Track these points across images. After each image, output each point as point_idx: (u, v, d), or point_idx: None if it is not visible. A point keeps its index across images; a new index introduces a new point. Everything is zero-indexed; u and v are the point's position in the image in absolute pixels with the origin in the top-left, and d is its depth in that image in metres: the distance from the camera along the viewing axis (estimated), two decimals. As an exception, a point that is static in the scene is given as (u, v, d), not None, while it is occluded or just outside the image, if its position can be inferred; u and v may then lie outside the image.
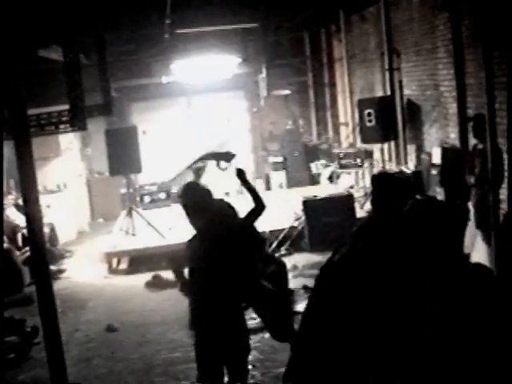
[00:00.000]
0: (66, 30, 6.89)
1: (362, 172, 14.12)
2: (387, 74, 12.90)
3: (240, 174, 5.69)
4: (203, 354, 5.23)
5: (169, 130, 18.16)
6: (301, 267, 10.42)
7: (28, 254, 9.89)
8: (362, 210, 11.91)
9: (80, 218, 15.50)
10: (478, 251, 7.91)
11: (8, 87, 5.08)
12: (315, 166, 16.67)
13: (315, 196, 11.95)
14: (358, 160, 13.78)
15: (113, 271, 11.82)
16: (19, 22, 5.86)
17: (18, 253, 10.97)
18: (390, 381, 4.28)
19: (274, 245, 11.18)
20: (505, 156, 7.57)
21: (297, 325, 7.64)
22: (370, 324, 4.59)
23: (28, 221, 5.39)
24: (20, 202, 9.23)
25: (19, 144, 5.20)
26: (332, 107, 17.90)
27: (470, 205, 8.38)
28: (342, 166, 14.20)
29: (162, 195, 15.70)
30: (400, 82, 12.63)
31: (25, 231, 9.80)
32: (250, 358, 7.07)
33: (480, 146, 8.23)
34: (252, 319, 7.66)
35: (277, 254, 10.86)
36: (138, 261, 11.73)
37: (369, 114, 12.44)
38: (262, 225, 10.25)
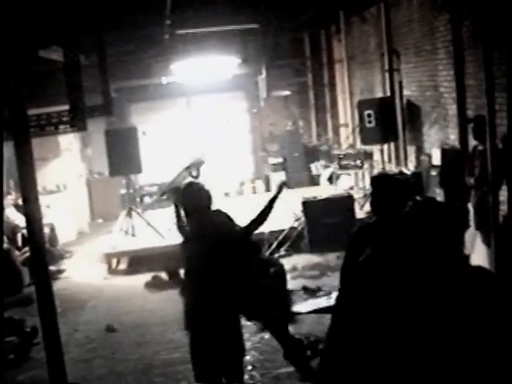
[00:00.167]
0: (66, 30, 6.89)
1: (361, 173, 14.12)
2: (387, 75, 12.91)
3: (281, 188, 5.88)
4: (198, 355, 5.22)
5: (168, 130, 18.17)
6: (300, 268, 10.42)
7: (28, 254, 9.89)
8: (362, 211, 11.92)
9: (80, 218, 15.51)
10: (478, 252, 7.92)
11: (8, 87, 5.09)
12: (315, 167, 16.67)
13: (315, 197, 11.95)
14: (358, 161, 13.78)
15: (112, 272, 11.82)
16: (20, 22, 5.86)
17: (17, 253, 10.97)
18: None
19: (274, 245, 11.17)
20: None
21: (293, 325, 7.68)
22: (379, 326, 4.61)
23: (28, 221, 5.39)
24: (20, 202, 9.23)
25: (19, 144, 5.20)
26: (332, 108, 17.89)
27: (470, 206, 8.38)
28: (341, 167, 14.19)
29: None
30: (400, 82, 12.63)
31: (24, 231, 9.80)
32: (250, 358, 7.11)
33: (480, 148, 8.23)
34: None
35: (276, 255, 10.87)
36: (138, 261, 11.73)
37: (369, 115, 12.44)
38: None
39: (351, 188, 14.14)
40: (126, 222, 12.78)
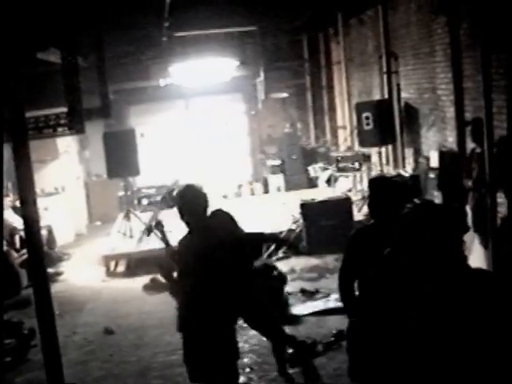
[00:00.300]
0: (64, 32, 6.89)
1: (359, 175, 14.12)
2: (385, 78, 12.92)
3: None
4: (191, 357, 5.21)
5: (167, 132, 18.17)
6: (299, 270, 10.41)
7: (26, 256, 9.88)
8: (360, 213, 11.92)
9: (78, 220, 15.49)
10: (475, 254, 7.92)
11: (6, 89, 5.09)
12: (313, 169, 16.67)
13: (313, 199, 11.95)
14: (356, 163, 13.79)
15: (110, 274, 11.81)
16: (18, 24, 5.86)
17: (15, 255, 10.96)
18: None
19: (272, 248, 11.16)
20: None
21: (292, 327, 7.67)
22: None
23: (25, 223, 5.39)
24: (17, 204, 9.23)
25: (17, 146, 5.20)
26: (330, 110, 17.90)
27: (468, 208, 8.39)
28: (339, 170, 14.20)
29: (160, 198, 15.68)
30: (398, 85, 12.63)
31: (23, 233, 9.80)
32: (248, 360, 7.11)
33: (478, 150, 8.24)
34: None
35: (274, 257, 10.87)
36: (136, 263, 11.72)
37: (367, 118, 12.45)
38: (261, 228, 10.31)
39: (349, 190, 14.14)
40: (124, 224, 12.77)
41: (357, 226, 5.41)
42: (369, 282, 4.89)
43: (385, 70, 12.89)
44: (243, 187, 17.96)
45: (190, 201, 5.14)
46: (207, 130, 18.31)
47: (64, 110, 7.06)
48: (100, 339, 8.55)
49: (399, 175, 11.75)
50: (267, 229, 11.01)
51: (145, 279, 10.68)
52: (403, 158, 12.80)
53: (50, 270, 10.94)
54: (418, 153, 11.95)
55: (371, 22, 13.70)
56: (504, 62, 7.99)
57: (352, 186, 14.47)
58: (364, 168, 13.82)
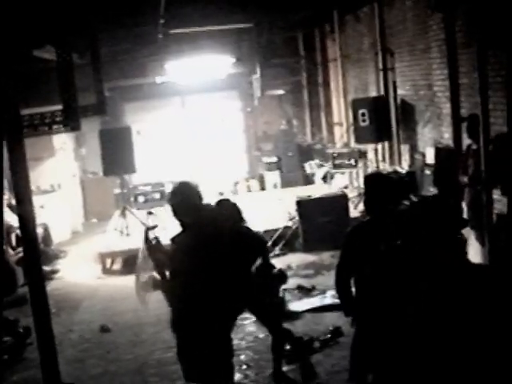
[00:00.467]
0: (59, 29, 6.86)
1: (355, 172, 14.13)
2: (381, 74, 12.92)
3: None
4: (185, 356, 5.20)
5: (163, 129, 18.15)
6: (295, 267, 10.42)
7: (21, 254, 9.86)
8: (356, 210, 11.92)
9: (74, 218, 15.48)
10: (471, 250, 7.93)
11: (2, 87, 5.07)
12: (309, 166, 16.67)
13: (309, 196, 11.96)
14: (352, 160, 13.80)
15: (107, 271, 11.80)
16: (13, 22, 5.84)
17: (11, 253, 10.94)
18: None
19: (269, 244, 11.15)
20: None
21: (289, 323, 7.66)
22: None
23: (21, 221, 5.38)
24: (13, 202, 9.21)
25: (12, 144, 5.19)
26: (326, 107, 17.89)
27: (464, 204, 8.39)
28: (335, 166, 14.21)
29: (156, 195, 15.68)
30: (394, 82, 12.64)
31: (19, 231, 9.78)
32: (245, 357, 7.12)
33: (474, 147, 8.24)
34: (245, 319, 7.69)
35: (271, 254, 10.87)
36: (132, 261, 11.68)
37: (363, 114, 12.45)
38: (257, 225, 10.30)
39: (345, 187, 14.16)
40: (120, 222, 12.77)
41: (353, 223, 5.39)
42: (365, 279, 4.90)
43: (381, 66, 12.89)
44: (239, 184, 17.95)
45: (183, 198, 5.11)
46: (203, 127, 18.30)
47: (59, 107, 7.04)
48: (96, 337, 8.55)
49: (395, 172, 11.76)
50: (264, 225, 11.00)
51: (141, 277, 10.65)
52: (399, 155, 12.81)
53: (46, 268, 10.93)
54: (413, 149, 11.95)
55: (367, 18, 13.69)
56: (500, 58, 7.99)
57: (348, 183, 14.49)
58: (360, 165, 13.82)
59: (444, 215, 3.83)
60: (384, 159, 13.57)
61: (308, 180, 16.61)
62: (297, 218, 11.65)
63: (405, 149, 12.48)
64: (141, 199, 15.73)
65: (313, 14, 14.62)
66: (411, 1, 11.29)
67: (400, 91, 12.42)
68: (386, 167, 13.13)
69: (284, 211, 12.26)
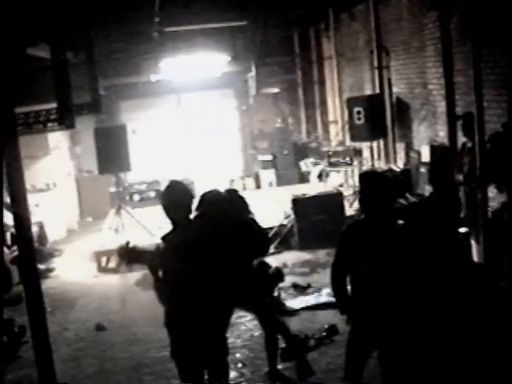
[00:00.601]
0: (53, 27, 6.85)
1: (351, 170, 14.14)
2: (376, 72, 12.92)
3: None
4: (179, 355, 5.19)
5: (158, 128, 18.14)
6: (290, 265, 10.42)
7: (16, 253, 9.84)
8: (351, 208, 11.93)
9: (69, 216, 15.45)
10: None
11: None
12: (304, 164, 16.68)
13: (304, 194, 11.95)
14: (348, 158, 13.81)
15: (102, 270, 11.78)
16: (7, 20, 5.83)
17: (6, 252, 10.91)
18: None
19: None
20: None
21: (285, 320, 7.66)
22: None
23: (16, 220, 5.37)
24: (8, 200, 9.21)
25: (7, 142, 5.18)
26: (321, 105, 17.90)
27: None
28: (331, 164, 14.22)
29: (151, 193, 15.68)
30: (389, 80, 12.64)
31: (14, 230, 9.76)
32: (240, 356, 7.11)
33: (469, 145, 8.25)
34: (240, 318, 7.69)
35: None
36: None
37: (358, 112, 12.45)
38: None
39: (341, 185, 14.16)
40: (116, 220, 12.75)
41: (348, 221, 5.41)
42: (361, 277, 4.91)
43: (376, 64, 12.89)
44: (235, 182, 17.94)
45: (174, 197, 5.11)
46: (198, 125, 18.29)
47: (54, 105, 7.03)
48: (92, 335, 8.54)
49: (390, 170, 11.76)
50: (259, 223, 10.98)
51: (137, 275, 10.66)
52: (394, 153, 12.82)
53: (42, 267, 10.92)
54: (409, 147, 11.97)
55: (362, 16, 13.69)
56: (494, 56, 8.00)
57: (343, 181, 14.49)
58: (355, 163, 13.83)
59: (443, 214, 3.84)
60: (379, 157, 13.58)
61: (303, 178, 16.62)
62: (292, 216, 11.65)
63: (400, 147, 12.49)
64: (136, 197, 15.75)
65: (308, 12, 14.63)
66: (406, -1, 11.31)
67: (395, 89, 12.43)
68: (381, 165, 13.14)
69: (279, 209, 12.26)
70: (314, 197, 11.77)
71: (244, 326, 7.83)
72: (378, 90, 12.90)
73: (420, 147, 11.19)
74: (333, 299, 5.48)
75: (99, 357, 7.79)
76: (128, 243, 5.26)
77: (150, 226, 12.10)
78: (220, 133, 18.53)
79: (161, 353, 7.34)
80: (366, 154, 14.03)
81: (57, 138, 15.11)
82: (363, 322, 4.95)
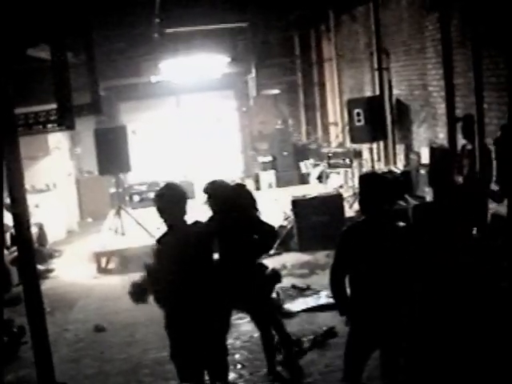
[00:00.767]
0: (54, 28, 6.85)
1: (351, 172, 14.13)
2: (376, 74, 12.93)
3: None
4: (179, 356, 5.19)
5: (158, 129, 18.13)
6: (290, 267, 10.41)
7: (16, 253, 9.84)
8: (351, 209, 11.92)
9: (69, 217, 15.46)
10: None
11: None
12: (304, 166, 16.68)
13: (304, 195, 11.96)
14: (347, 160, 13.80)
15: (102, 271, 11.79)
16: (8, 20, 5.83)
17: (6, 252, 10.91)
18: None
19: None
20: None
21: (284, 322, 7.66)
22: None
23: (15, 220, 5.37)
24: (8, 201, 9.21)
25: (7, 143, 5.18)
26: (321, 107, 17.91)
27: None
28: (331, 166, 14.21)
29: (151, 194, 15.66)
30: (389, 81, 12.65)
31: (13, 230, 9.75)
32: (239, 357, 7.11)
33: (469, 147, 8.25)
34: (240, 319, 7.68)
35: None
36: (127, 260, 11.69)
37: (358, 114, 12.46)
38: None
39: (341, 187, 14.16)
40: (116, 221, 12.75)
41: (348, 223, 5.40)
42: (360, 278, 4.91)
43: (376, 66, 12.90)
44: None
45: (168, 199, 5.13)
46: (198, 126, 18.28)
47: (54, 106, 7.03)
48: (91, 336, 8.54)
49: (390, 171, 11.77)
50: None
51: (136, 276, 10.64)
52: (394, 155, 12.83)
53: (41, 267, 10.92)
54: (409, 149, 11.97)
55: (362, 18, 13.70)
56: (494, 58, 8.01)
57: (343, 183, 14.49)
58: (355, 164, 13.83)
59: (444, 217, 3.85)
60: (379, 159, 13.58)
61: (303, 179, 16.61)
62: (292, 217, 11.65)
63: (400, 149, 12.50)
64: (136, 198, 15.74)
65: (308, 14, 14.64)
66: (406, 1, 11.31)
67: (395, 91, 12.44)
68: (381, 167, 13.14)
69: (279, 211, 12.25)
70: (314, 198, 11.77)
71: (243, 327, 7.82)
72: (378, 92, 12.91)
73: (420, 149, 11.19)
74: (332, 301, 5.49)
75: (98, 358, 7.79)
76: (134, 285, 5.29)
77: (150, 227, 12.11)
78: (220, 134, 18.52)
79: (160, 354, 7.35)
80: (365, 155, 14.04)
81: (57, 139, 15.11)
82: (362, 323, 4.95)
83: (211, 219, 6.20)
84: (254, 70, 16.52)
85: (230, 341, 5.80)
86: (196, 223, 5.29)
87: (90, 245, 12.83)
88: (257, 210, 6.59)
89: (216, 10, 12.29)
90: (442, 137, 10.13)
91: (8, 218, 5.79)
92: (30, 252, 5.48)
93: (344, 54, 15.35)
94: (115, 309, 9.55)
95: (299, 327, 7.74)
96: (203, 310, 5.02)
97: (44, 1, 7.02)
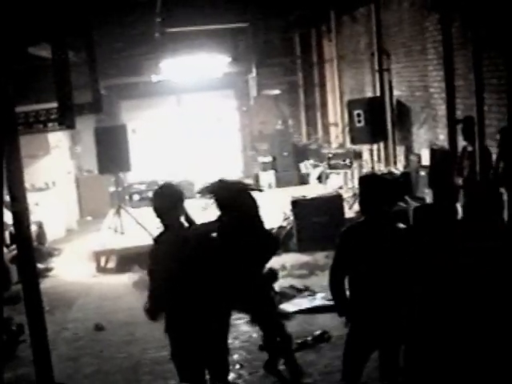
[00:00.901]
0: (55, 27, 6.85)
1: (351, 172, 14.13)
2: (377, 75, 12.93)
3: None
4: (180, 357, 5.19)
5: (158, 128, 18.14)
6: (289, 267, 10.40)
7: (15, 252, 9.84)
8: (351, 210, 11.92)
9: (69, 216, 15.45)
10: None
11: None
12: (304, 166, 16.67)
13: (304, 196, 11.95)
14: (347, 160, 13.79)
15: (101, 270, 11.78)
16: (9, 19, 5.83)
17: (5, 250, 10.91)
18: None
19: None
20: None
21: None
22: None
23: (15, 219, 5.37)
24: (7, 199, 9.21)
25: (7, 142, 5.18)
26: (322, 107, 17.90)
27: (458, 206, 8.40)
28: (331, 167, 14.21)
29: (151, 194, 15.66)
30: (390, 82, 12.66)
31: (13, 229, 9.75)
32: (238, 357, 7.11)
33: (469, 148, 8.26)
34: (238, 319, 7.68)
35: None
36: (127, 259, 11.69)
37: (358, 115, 12.45)
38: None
39: (340, 187, 14.15)
40: (115, 220, 12.75)
41: (348, 224, 5.40)
42: (360, 279, 4.91)
43: (377, 67, 12.90)
44: (234, 184, 17.89)
45: (165, 199, 5.14)
46: (199, 126, 18.28)
47: (55, 105, 7.03)
48: (90, 335, 8.54)
49: (390, 173, 11.77)
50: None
51: (135, 275, 10.66)
52: (394, 156, 12.83)
53: (41, 266, 10.91)
54: (409, 150, 11.97)
55: (364, 19, 13.70)
56: (495, 60, 8.01)
57: (343, 184, 14.48)
58: (355, 165, 13.83)
59: (445, 221, 3.85)
60: (379, 160, 13.58)
61: (303, 180, 16.60)
62: (291, 218, 11.65)
63: (400, 150, 12.50)
64: (136, 197, 15.74)
65: (309, 14, 14.64)
66: (408, 2, 11.31)
67: (396, 92, 12.44)
68: (381, 168, 13.14)
69: (279, 211, 12.24)
70: (314, 199, 11.76)
71: (242, 327, 7.82)
72: (378, 93, 12.91)
73: (420, 150, 11.19)
74: (327, 303, 5.49)
75: (97, 356, 7.79)
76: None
77: (150, 226, 12.10)
78: (220, 133, 18.53)
79: (159, 353, 7.35)
80: (365, 156, 14.04)
81: (57, 138, 15.11)
82: (361, 324, 4.95)
83: (219, 219, 6.21)
84: (254, 70, 16.52)
85: (228, 341, 5.79)
86: (207, 224, 5.30)
87: (90, 244, 12.82)
88: (258, 211, 6.61)
89: (217, 9, 12.29)
90: (442, 138, 10.13)
91: (8, 217, 5.79)
92: (30, 250, 5.48)
93: (345, 55, 15.35)
94: (114, 308, 9.56)
95: (298, 327, 7.74)
96: (203, 310, 5.02)
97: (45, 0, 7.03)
